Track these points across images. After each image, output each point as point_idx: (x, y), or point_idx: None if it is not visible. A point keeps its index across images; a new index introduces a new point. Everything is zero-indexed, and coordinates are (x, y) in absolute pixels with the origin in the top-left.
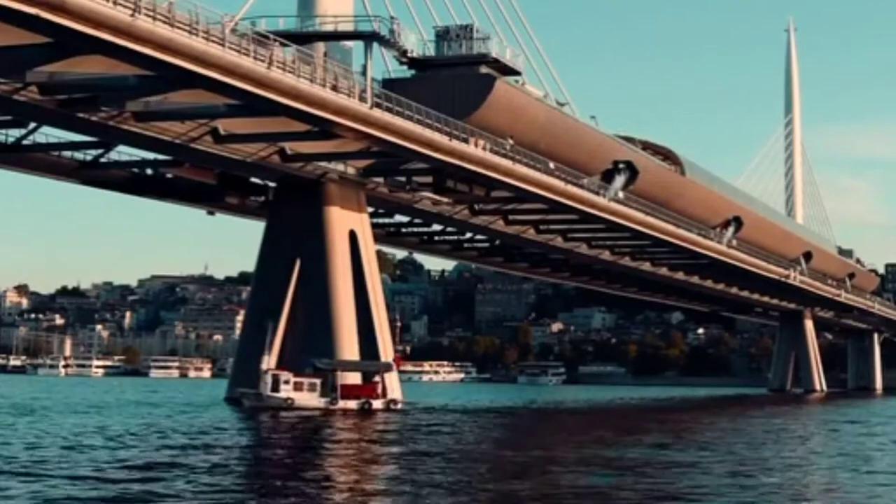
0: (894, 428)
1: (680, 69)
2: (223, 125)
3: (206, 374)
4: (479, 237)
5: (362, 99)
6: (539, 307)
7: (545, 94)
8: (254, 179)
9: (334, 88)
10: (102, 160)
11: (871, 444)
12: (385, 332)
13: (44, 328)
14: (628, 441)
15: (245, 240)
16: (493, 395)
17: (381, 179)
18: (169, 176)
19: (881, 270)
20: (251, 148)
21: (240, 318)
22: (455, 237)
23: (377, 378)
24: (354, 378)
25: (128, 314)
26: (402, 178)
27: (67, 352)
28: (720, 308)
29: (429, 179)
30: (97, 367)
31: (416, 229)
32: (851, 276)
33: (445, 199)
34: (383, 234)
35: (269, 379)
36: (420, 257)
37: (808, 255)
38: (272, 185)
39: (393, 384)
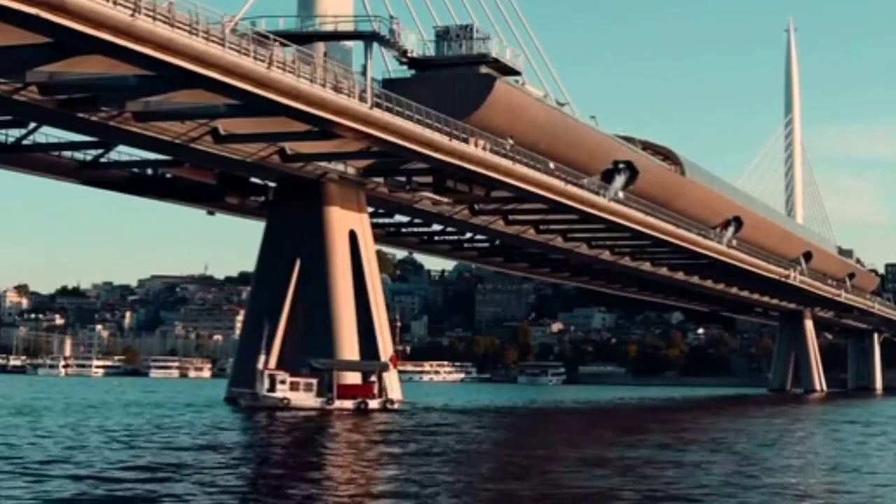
0: (895, 428)
1: (680, 69)
2: (223, 125)
3: (206, 374)
4: (479, 237)
5: (362, 99)
6: (539, 307)
7: (545, 94)
8: (254, 179)
9: (335, 89)
10: (102, 160)
11: (872, 445)
12: (385, 332)
13: (44, 328)
14: (628, 441)
15: (245, 240)
16: (493, 395)
17: (381, 179)
18: (169, 176)
19: (881, 270)
20: (251, 148)
21: (240, 318)
22: (455, 237)
23: (373, 378)
24: (354, 378)
25: (128, 314)
26: (402, 178)
27: (67, 352)
28: (720, 308)
29: (429, 179)
30: (97, 367)
31: (416, 229)
32: (851, 276)
33: (445, 199)
34: (383, 234)
35: (265, 379)
36: (420, 257)
37: (808, 255)
38: (272, 185)
39: (393, 384)
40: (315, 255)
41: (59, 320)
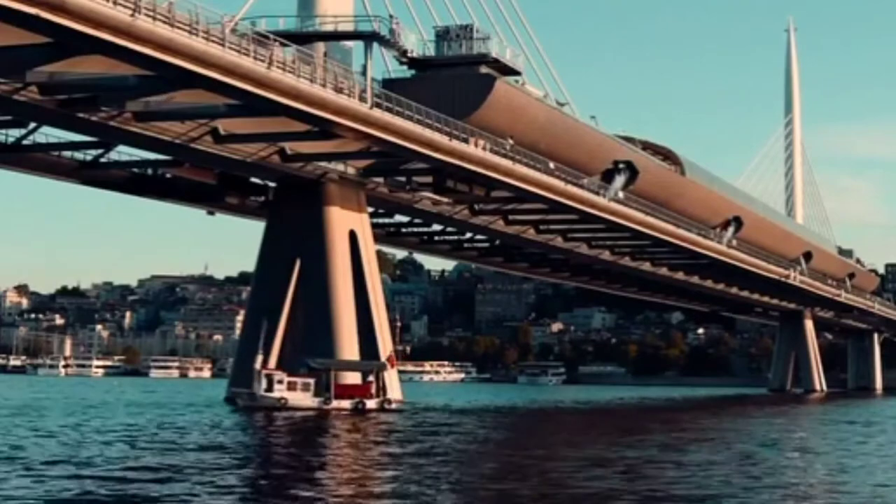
0: (895, 428)
1: (680, 69)
2: (223, 125)
3: (206, 374)
4: (479, 237)
5: (362, 99)
6: (539, 307)
7: (545, 94)
8: (254, 179)
9: (335, 89)
10: (102, 160)
11: (872, 445)
12: (385, 332)
13: (44, 328)
14: (628, 441)
15: (245, 240)
16: (493, 395)
17: (381, 179)
18: (169, 176)
19: (881, 270)
20: (251, 148)
21: (240, 318)
22: (455, 237)
23: (371, 378)
24: (353, 378)
25: (128, 314)
26: (402, 178)
27: (67, 352)
28: (720, 308)
29: (429, 179)
30: (97, 367)
31: (416, 229)
32: (851, 276)
33: (445, 199)
34: (383, 234)
35: (262, 379)
36: (420, 257)
37: (808, 255)
38: (272, 185)
39: (392, 384)
40: (315, 255)
41: (59, 320)
